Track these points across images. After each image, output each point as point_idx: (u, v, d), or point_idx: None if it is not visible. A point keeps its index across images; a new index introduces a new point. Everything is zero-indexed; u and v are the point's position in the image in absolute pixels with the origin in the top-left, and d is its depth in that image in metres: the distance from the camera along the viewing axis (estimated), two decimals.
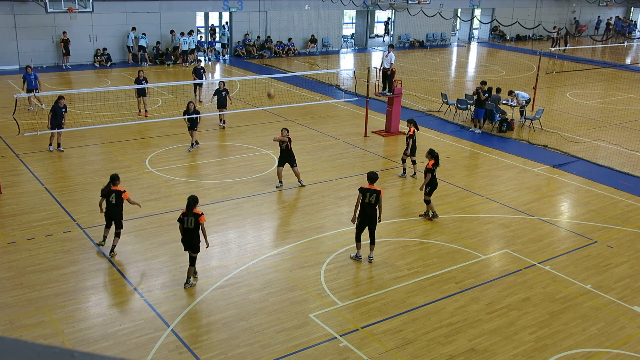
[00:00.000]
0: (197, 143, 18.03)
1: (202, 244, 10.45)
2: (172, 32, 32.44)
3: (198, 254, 10.46)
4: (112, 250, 11.49)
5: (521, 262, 11.85)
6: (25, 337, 8.96)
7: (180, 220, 10.40)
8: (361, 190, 11.35)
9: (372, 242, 11.64)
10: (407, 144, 15.93)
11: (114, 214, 11.43)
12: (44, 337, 9.02)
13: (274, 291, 10.50)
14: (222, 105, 20.10)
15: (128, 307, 9.90)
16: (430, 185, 13.29)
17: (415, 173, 16.37)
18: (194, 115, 17.36)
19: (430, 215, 13.62)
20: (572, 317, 10.08)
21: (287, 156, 14.86)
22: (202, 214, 10.27)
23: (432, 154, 13.35)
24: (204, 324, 9.52)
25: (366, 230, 11.55)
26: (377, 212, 11.42)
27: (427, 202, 13.48)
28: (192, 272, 10.55)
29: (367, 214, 11.35)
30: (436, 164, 13.32)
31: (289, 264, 11.48)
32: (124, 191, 11.45)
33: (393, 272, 11.29)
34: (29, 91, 20.49)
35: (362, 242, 11.64)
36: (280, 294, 10.39)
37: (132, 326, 9.35)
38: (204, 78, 23.65)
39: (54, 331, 9.16)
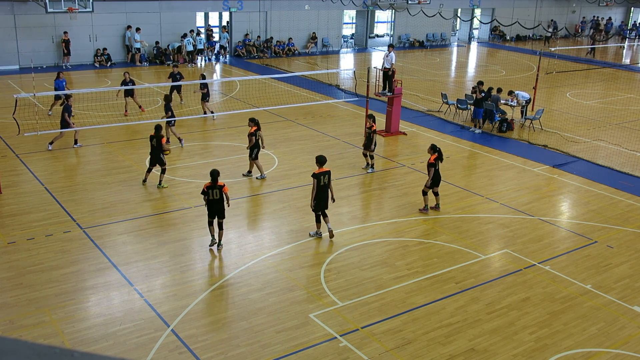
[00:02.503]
0: (180, 140, 18.47)
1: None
2: (184, 35, 32.50)
3: (224, 219, 11.94)
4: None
5: (521, 262, 11.85)
6: (25, 337, 8.97)
7: (204, 192, 11.66)
8: (315, 175, 12.18)
9: (325, 215, 12.53)
10: (372, 139, 16.24)
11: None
12: (44, 337, 9.02)
13: (274, 291, 10.50)
14: (204, 99, 21.08)
15: (128, 307, 9.89)
16: (433, 179, 13.56)
17: (370, 165, 16.66)
18: (172, 119, 18.01)
19: (423, 208, 13.96)
20: (572, 317, 10.08)
21: (253, 147, 15.44)
22: (224, 185, 11.72)
23: (435, 149, 13.62)
24: (204, 324, 9.52)
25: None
26: (330, 193, 12.38)
27: (424, 193, 13.84)
28: (222, 235, 11.96)
29: (324, 195, 12.29)
30: (439, 158, 13.60)
31: (289, 264, 11.48)
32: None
33: (393, 272, 11.29)
34: (57, 97, 20.57)
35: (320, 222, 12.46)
36: (280, 294, 10.39)
37: (132, 326, 9.35)
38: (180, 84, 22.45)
39: (54, 331, 9.16)
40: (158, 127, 14.75)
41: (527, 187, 15.91)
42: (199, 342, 9.01)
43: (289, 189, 15.21)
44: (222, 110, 22.43)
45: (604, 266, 11.85)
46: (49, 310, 9.69)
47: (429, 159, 13.63)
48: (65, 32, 29.57)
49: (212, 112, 21.33)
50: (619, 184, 16.28)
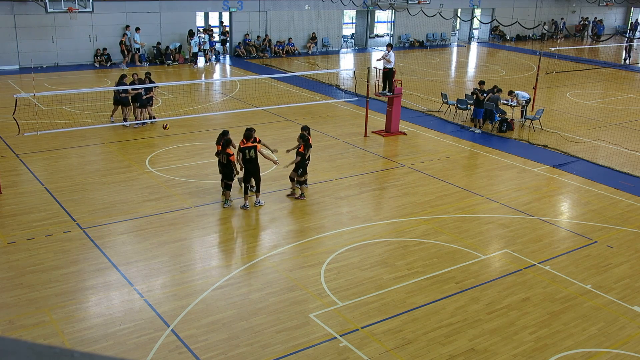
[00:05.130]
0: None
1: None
2: (192, 35, 32.60)
3: (232, 181, 13.65)
4: None
5: (521, 262, 11.85)
6: (25, 337, 8.97)
7: (217, 154, 13.61)
8: (241, 149, 13.34)
9: (258, 190, 13.83)
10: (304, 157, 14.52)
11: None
12: (44, 337, 9.02)
13: (274, 291, 10.50)
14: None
15: (128, 307, 9.89)
16: (302, 167, 14.29)
17: (300, 192, 14.69)
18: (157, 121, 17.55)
19: (298, 195, 14.54)
20: (572, 317, 10.08)
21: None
22: (232, 154, 13.29)
23: (303, 139, 14.36)
24: (204, 324, 9.52)
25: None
26: (272, 161, 13.78)
27: (300, 183, 14.48)
28: (228, 195, 13.73)
29: (251, 168, 13.42)
30: (307, 147, 14.38)
31: (289, 264, 11.48)
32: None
33: (393, 272, 11.29)
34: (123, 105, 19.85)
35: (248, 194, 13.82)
36: (280, 294, 10.40)
37: (132, 326, 9.35)
38: (142, 91, 19.66)
39: (54, 331, 9.16)
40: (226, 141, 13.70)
41: (527, 187, 15.91)
42: (199, 342, 9.02)
43: (289, 188, 15.19)
44: (222, 110, 22.42)
45: (604, 266, 11.85)
46: (49, 310, 9.69)
47: (299, 147, 14.25)
48: (124, 34, 30.23)
49: (153, 118, 20.01)
50: (619, 184, 16.28)
